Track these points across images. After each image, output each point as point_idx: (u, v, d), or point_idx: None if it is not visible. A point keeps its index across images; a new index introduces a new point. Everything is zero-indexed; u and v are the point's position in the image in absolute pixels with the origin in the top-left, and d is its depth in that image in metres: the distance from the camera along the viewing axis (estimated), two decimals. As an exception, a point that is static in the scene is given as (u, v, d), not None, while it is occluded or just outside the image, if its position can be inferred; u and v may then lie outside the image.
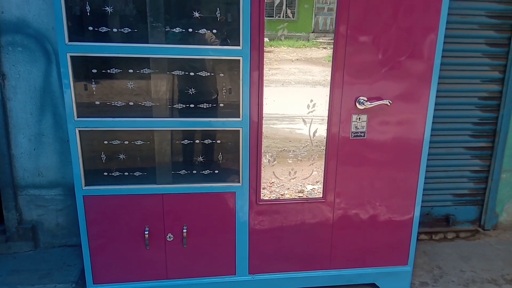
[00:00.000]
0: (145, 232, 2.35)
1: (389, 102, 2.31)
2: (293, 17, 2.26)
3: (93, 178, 2.26)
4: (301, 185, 2.54)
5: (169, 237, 2.41)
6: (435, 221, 3.30)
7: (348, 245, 2.63)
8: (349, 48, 2.25)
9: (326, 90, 2.33)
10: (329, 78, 2.32)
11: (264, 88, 2.27)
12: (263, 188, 2.46)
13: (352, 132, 2.40)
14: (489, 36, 2.95)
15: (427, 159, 2.55)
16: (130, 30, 2.06)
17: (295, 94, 2.38)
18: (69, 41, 2.02)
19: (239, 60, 2.17)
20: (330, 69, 2.30)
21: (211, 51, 2.16)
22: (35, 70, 2.57)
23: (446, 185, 3.22)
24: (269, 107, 2.32)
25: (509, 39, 2.94)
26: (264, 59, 2.21)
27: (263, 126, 2.32)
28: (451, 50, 2.87)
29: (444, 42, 2.37)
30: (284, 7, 2.22)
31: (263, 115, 2.30)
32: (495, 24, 2.92)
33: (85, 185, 2.25)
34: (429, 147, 2.57)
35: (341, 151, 2.42)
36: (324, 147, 2.43)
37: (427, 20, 2.28)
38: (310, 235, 2.57)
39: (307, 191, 2.53)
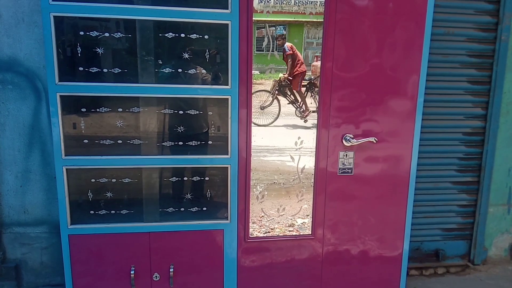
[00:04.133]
0: (131, 272, 2.30)
1: (375, 140, 2.35)
2: (279, 57, 2.33)
3: (79, 217, 2.24)
4: (291, 219, 2.54)
5: (156, 276, 2.36)
6: (425, 256, 3.29)
7: (338, 282, 2.60)
8: (335, 87, 2.31)
9: (315, 122, 2.36)
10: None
11: (254, 119, 2.30)
12: (253, 222, 2.45)
13: (339, 169, 2.42)
14: (470, 74, 3.04)
15: (415, 194, 2.58)
16: (120, 70, 2.09)
17: (285, 126, 2.42)
18: (59, 81, 2.04)
19: (227, 99, 2.21)
20: (319, 96, 2.34)
21: (200, 90, 2.20)
22: (25, 107, 2.58)
23: (434, 219, 3.23)
24: (259, 140, 2.35)
25: (490, 77, 3.04)
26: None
27: (252, 160, 2.33)
28: (434, 87, 2.96)
29: (427, 80, 2.45)
30: (271, 49, 2.29)
31: (252, 152, 2.32)
32: (475, 63, 3.02)
33: (71, 224, 2.22)
34: (416, 182, 2.60)
35: (329, 188, 2.44)
36: (313, 180, 2.44)
37: (410, 59, 2.36)
38: (299, 272, 2.54)
39: (298, 225, 2.53)
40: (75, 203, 2.23)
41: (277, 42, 2.25)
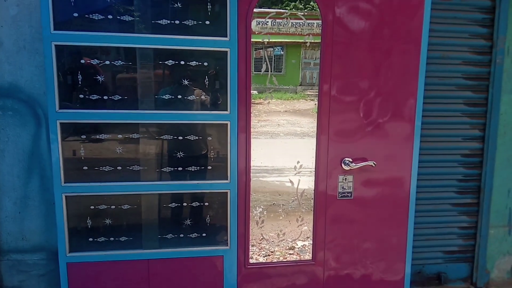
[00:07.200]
0: (130, 300, 2.27)
1: (374, 164, 2.36)
2: (278, 84, 2.35)
3: (78, 244, 2.22)
4: (291, 242, 2.52)
5: (155, 304, 2.33)
6: (427, 279, 3.24)
7: (340, 308, 2.56)
8: (333, 110, 2.33)
9: (314, 142, 2.36)
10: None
11: (253, 140, 2.30)
12: (252, 245, 2.43)
13: (339, 193, 2.42)
14: (467, 96, 3.07)
15: (415, 216, 2.57)
16: (120, 97, 2.11)
17: (284, 146, 2.43)
18: (60, 108, 2.06)
19: (227, 124, 2.22)
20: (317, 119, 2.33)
21: (200, 115, 2.21)
22: (25, 133, 2.59)
23: (435, 242, 3.21)
24: (258, 160, 2.35)
25: (486, 99, 3.07)
26: (252, 114, 2.28)
27: (252, 181, 2.32)
28: (432, 110, 2.97)
29: (424, 103, 2.47)
30: (269, 75, 2.32)
31: (251, 175, 2.32)
32: (471, 85, 3.05)
33: (69, 252, 2.20)
34: (416, 204, 2.59)
35: (329, 212, 2.43)
36: (312, 201, 2.43)
37: (407, 82, 2.40)
38: (300, 298, 2.51)
39: (298, 248, 2.51)
40: (74, 230, 2.21)
41: None
